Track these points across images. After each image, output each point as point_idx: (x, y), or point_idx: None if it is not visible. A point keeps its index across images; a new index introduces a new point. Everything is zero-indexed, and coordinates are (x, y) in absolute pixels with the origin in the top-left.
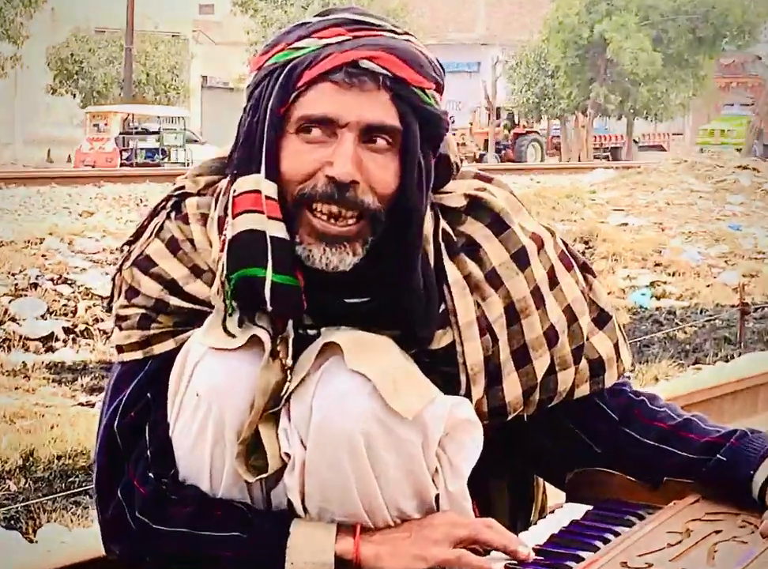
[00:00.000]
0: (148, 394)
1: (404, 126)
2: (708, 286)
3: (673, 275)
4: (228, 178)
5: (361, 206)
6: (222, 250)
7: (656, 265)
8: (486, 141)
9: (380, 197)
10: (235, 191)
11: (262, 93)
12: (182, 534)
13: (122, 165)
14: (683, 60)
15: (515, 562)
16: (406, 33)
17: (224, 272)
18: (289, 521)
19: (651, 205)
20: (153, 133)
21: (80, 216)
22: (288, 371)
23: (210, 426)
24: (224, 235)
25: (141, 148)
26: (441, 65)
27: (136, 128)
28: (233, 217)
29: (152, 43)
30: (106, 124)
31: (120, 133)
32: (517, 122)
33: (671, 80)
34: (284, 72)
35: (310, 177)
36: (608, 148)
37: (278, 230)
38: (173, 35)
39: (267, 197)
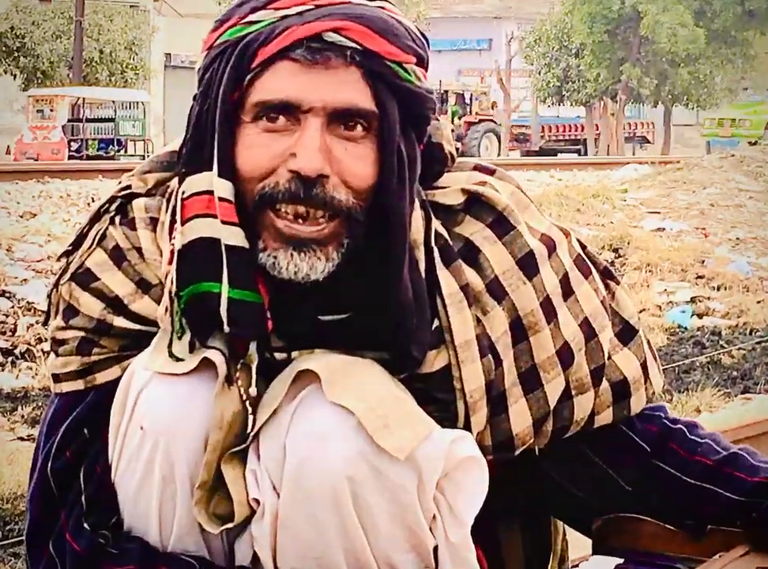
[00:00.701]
0: (86, 432)
1: (380, 107)
2: (759, 302)
3: (718, 289)
4: (178, 177)
5: (332, 204)
6: (170, 263)
7: (699, 277)
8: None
9: (356, 192)
10: (183, 193)
11: (213, 77)
12: None
13: (70, 158)
14: (730, 37)
15: None
16: None
17: (173, 287)
18: None
19: (692, 206)
20: (107, 120)
21: (21, 217)
22: (248, 402)
23: (157, 465)
24: (172, 244)
25: (93, 139)
26: (423, 34)
27: (87, 115)
28: (182, 224)
29: (106, 15)
30: (52, 110)
31: (68, 121)
32: (469, 106)
33: (715, 60)
34: (237, 51)
35: (271, 173)
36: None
37: (234, 237)
38: (131, 6)
39: (221, 199)
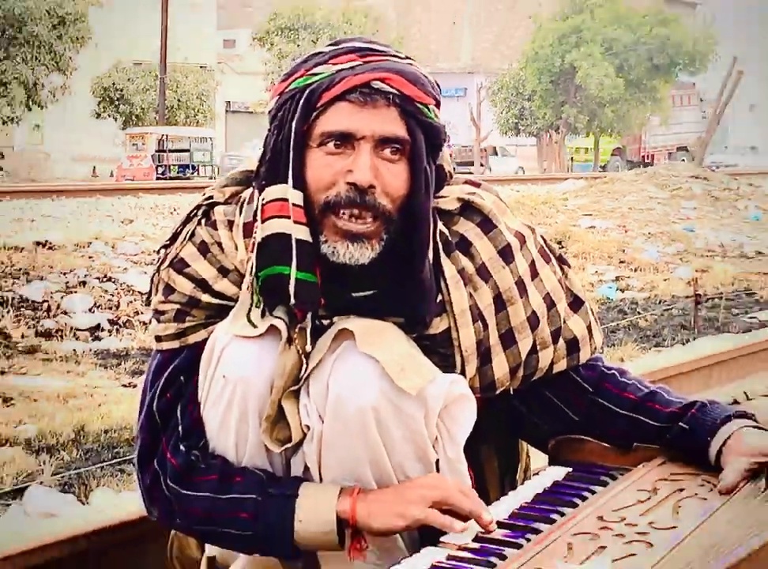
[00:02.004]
0: (182, 378)
1: (412, 137)
2: (665, 280)
3: (635, 270)
4: (255, 188)
5: (378, 208)
6: (251, 251)
7: (621, 262)
8: None
9: (393, 200)
10: (263, 199)
11: (285, 114)
12: (207, 499)
13: (157, 179)
14: (642, 85)
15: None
16: (407, 58)
17: (253, 270)
18: (299, 485)
19: (616, 210)
20: (184, 151)
21: (122, 223)
22: (303, 356)
23: (235, 403)
24: (254, 237)
25: (174, 165)
26: (438, 84)
27: (169, 147)
28: (262, 222)
29: (182, 73)
30: (143, 143)
31: (156, 151)
32: None
33: (632, 102)
34: (305, 95)
35: (332, 185)
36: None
37: (302, 233)
38: (200, 67)
39: (294, 205)
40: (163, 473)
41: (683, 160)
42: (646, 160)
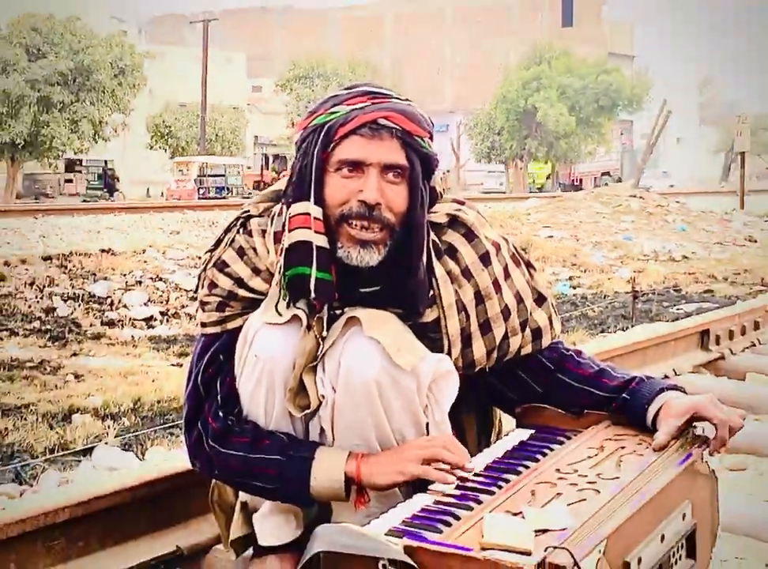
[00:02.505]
0: (221, 357)
1: (410, 163)
2: (609, 279)
3: (585, 272)
4: (283, 204)
5: (383, 221)
6: (280, 255)
7: (573, 264)
8: (257, 182)
9: (395, 214)
10: (290, 213)
11: (309, 145)
12: (240, 457)
13: (199, 198)
14: (590, 121)
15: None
16: (407, 99)
17: (281, 270)
18: (315, 449)
19: (569, 223)
20: (220, 176)
21: (171, 234)
22: (321, 339)
23: (265, 378)
24: (282, 244)
25: (212, 187)
26: (431, 120)
27: (208, 172)
28: (289, 232)
29: (219, 113)
30: (187, 170)
31: (198, 176)
32: (286, 166)
33: (581, 135)
34: (324, 129)
35: (346, 202)
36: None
37: (322, 241)
38: (233, 108)
39: (315, 218)
40: (205, 434)
41: (606, 183)
42: (575, 183)
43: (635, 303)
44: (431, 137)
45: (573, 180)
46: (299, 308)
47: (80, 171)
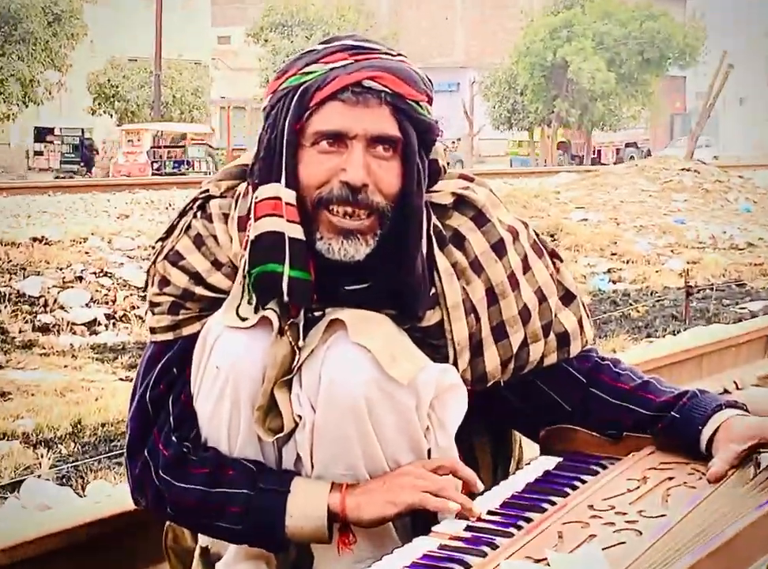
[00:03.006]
0: (175, 370)
1: (404, 134)
2: (657, 272)
3: (627, 263)
4: (248, 185)
5: (371, 206)
6: (245, 248)
7: (613, 254)
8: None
9: (386, 196)
10: (257, 197)
11: (279, 113)
12: (198, 492)
13: (153, 174)
14: (633, 79)
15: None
16: (399, 54)
17: (246, 267)
18: (290, 480)
19: (607, 203)
20: (179, 147)
21: (118, 218)
22: (296, 346)
23: (228, 394)
24: (247, 235)
25: (169, 160)
26: (430, 80)
27: (164, 143)
28: (255, 220)
29: (177, 70)
30: (139, 140)
31: (151, 148)
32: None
33: (623, 96)
34: (297, 94)
35: (325, 183)
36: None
37: (295, 231)
38: (195, 63)
39: (287, 204)
40: (154, 464)
41: (632, 157)
42: (592, 156)
43: (689, 300)
44: (429, 101)
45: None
46: (269, 308)
47: (51, 142)
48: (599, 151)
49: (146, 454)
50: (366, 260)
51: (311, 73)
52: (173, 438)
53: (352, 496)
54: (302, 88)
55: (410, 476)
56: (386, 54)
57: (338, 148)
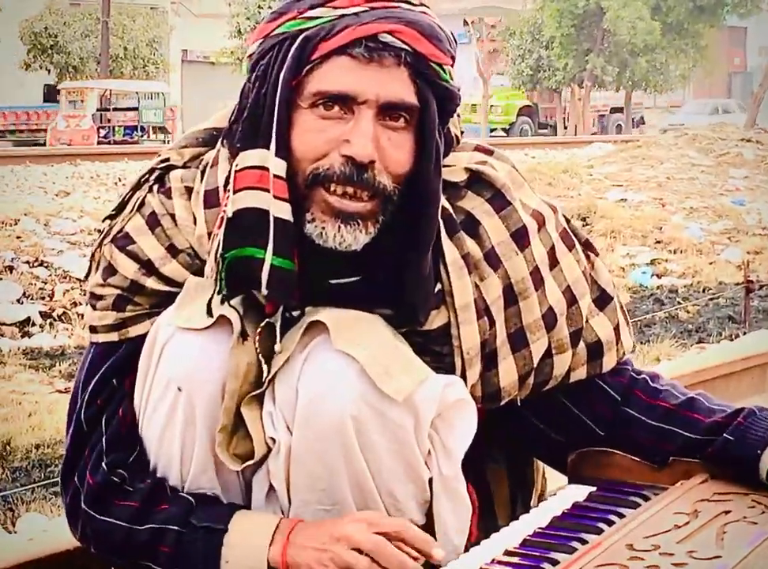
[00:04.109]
0: (114, 381)
1: (422, 103)
2: (711, 263)
3: (674, 252)
4: (225, 148)
5: (377, 187)
6: (219, 227)
7: (657, 242)
8: None
9: (394, 177)
10: (237, 165)
11: (271, 63)
12: (122, 529)
13: (99, 143)
14: (683, 29)
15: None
16: (422, 4)
17: (219, 249)
18: (231, 517)
19: (651, 180)
20: (132, 109)
21: (57, 196)
22: (261, 355)
23: (180, 410)
24: (223, 210)
25: (120, 126)
26: (454, 37)
27: (114, 105)
28: (234, 192)
29: (129, 16)
30: (82, 101)
31: (97, 110)
32: None
33: (670, 50)
34: (297, 43)
35: (324, 155)
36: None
37: (283, 211)
38: (151, 8)
39: (275, 176)
40: (82, 494)
41: (620, 124)
42: (566, 124)
43: (749, 299)
44: (452, 63)
45: (563, 118)
46: (230, 307)
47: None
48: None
49: (76, 480)
50: (359, 253)
51: (316, 18)
52: (102, 464)
53: (294, 547)
54: (303, 35)
55: (352, 525)
56: (407, 2)
57: (342, 114)
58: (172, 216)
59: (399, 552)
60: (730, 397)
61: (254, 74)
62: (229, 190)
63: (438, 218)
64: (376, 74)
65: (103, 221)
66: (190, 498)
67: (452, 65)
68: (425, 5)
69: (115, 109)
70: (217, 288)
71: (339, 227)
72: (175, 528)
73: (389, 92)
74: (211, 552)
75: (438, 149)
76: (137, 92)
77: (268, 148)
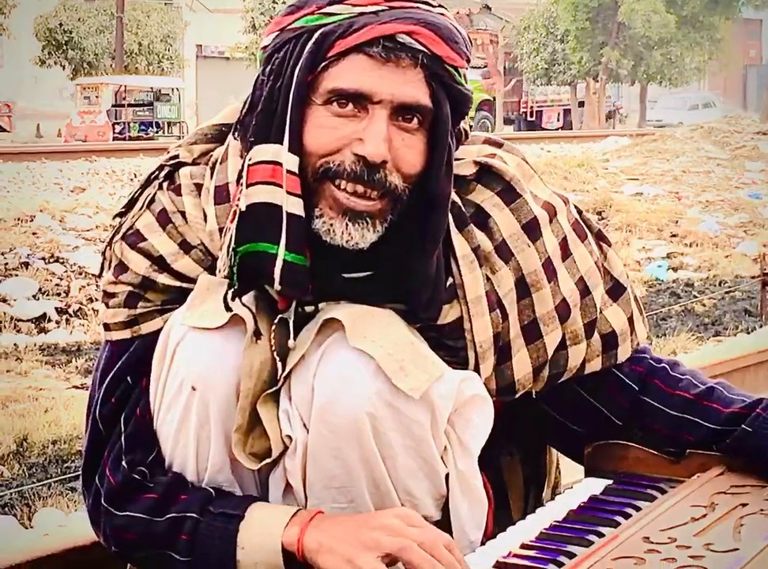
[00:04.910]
0: (129, 379)
1: (436, 106)
2: (727, 257)
3: (690, 246)
4: (238, 139)
5: (388, 187)
6: (232, 221)
7: (673, 235)
8: None
9: (405, 177)
10: (250, 159)
11: (286, 57)
12: (142, 521)
13: (114, 139)
14: (698, 22)
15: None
16: (440, 6)
17: (232, 243)
18: (248, 505)
19: (666, 173)
20: (147, 105)
21: (72, 192)
22: (275, 353)
23: (194, 410)
24: (236, 204)
25: (134, 122)
26: (470, 40)
27: (128, 100)
28: (246, 187)
29: (144, 12)
30: (97, 96)
31: (112, 106)
32: None
33: (685, 43)
34: (314, 38)
35: (335, 152)
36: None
37: (295, 207)
38: (165, 3)
39: (288, 172)
40: (103, 492)
41: (583, 122)
42: (529, 118)
43: (765, 292)
44: (467, 66)
45: (525, 113)
46: (243, 306)
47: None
48: (539, 112)
49: (96, 480)
50: (369, 248)
51: (334, 14)
52: (123, 463)
53: (315, 532)
54: (320, 31)
55: (380, 530)
56: (426, 3)
57: (356, 112)
58: (182, 213)
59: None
60: (746, 389)
61: (269, 67)
62: (242, 184)
63: (446, 219)
64: (392, 75)
65: (114, 218)
66: (210, 489)
67: (466, 68)
68: (443, 6)
69: (130, 105)
70: (233, 284)
71: (347, 224)
72: (194, 515)
73: (405, 93)
74: (227, 537)
75: (450, 151)
76: (151, 88)
77: (281, 144)
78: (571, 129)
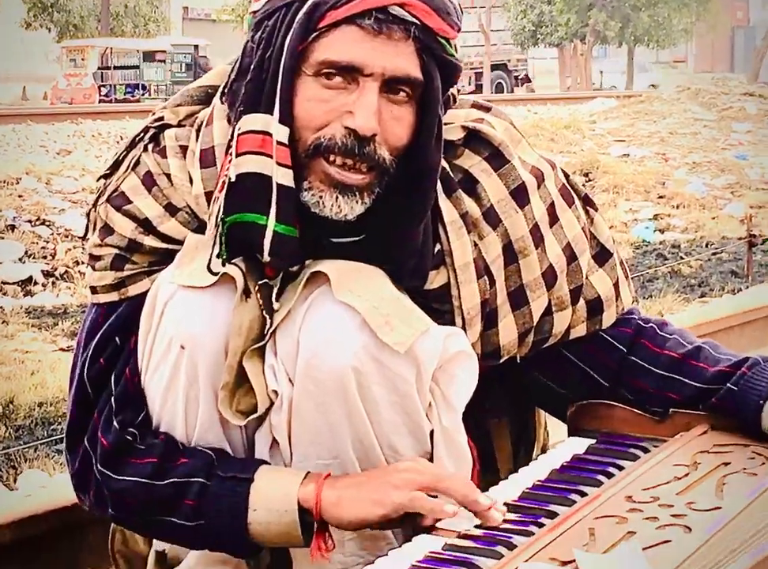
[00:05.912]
0: (117, 340)
1: (427, 78)
2: (713, 218)
3: (677, 207)
4: (225, 104)
5: (377, 160)
6: (221, 190)
7: (660, 197)
8: None
9: (392, 150)
10: (239, 128)
11: (277, 25)
12: (143, 486)
13: (100, 101)
14: None
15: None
16: None
17: (220, 213)
18: (257, 467)
19: (653, 135)
20: (133, 67)
21: (58, 154)
22: (265, 311)
23: (183, 368)
24: (226, 174)
25: (121, 84)
26: (460, 7)
27: (114, 63)
28: (236, 156)
29: None
30: (83, 59)
31: (98, 69)
32: None
33: (672, 4)
34: (305, 8)
35: (325, 125)
36: None
37: (285, 178)
38: None
39: (279, 143)
40: (94, 454)
41: (500, 82)
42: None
43: (751, 253)
44: (457, 35)
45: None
46: (232, 264)
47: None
48: None
49: (85, 443)
50: (357, 218)
51: None
52: (114, 423)
53: (332, 489)
54: (312, 1)
55: (407, 472)
56: None
57: (346, 85)
58: (168, 175)
59: (438, 501)
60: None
61: (259, 34)
62: (231, 154)
63: (435, 189)
64: (384, 47)
65: (98, 180)
66: (209, 451)
67: (456, 38)
68: None
69: (116, 67)
70: (217, 251)
71: (336, 197)
72: (200, 480)
73: (396, 66)
74: (238, 500)
75: (440, 123)
76: (137, 50)
77: (271, 114)
78: (482, 92)
